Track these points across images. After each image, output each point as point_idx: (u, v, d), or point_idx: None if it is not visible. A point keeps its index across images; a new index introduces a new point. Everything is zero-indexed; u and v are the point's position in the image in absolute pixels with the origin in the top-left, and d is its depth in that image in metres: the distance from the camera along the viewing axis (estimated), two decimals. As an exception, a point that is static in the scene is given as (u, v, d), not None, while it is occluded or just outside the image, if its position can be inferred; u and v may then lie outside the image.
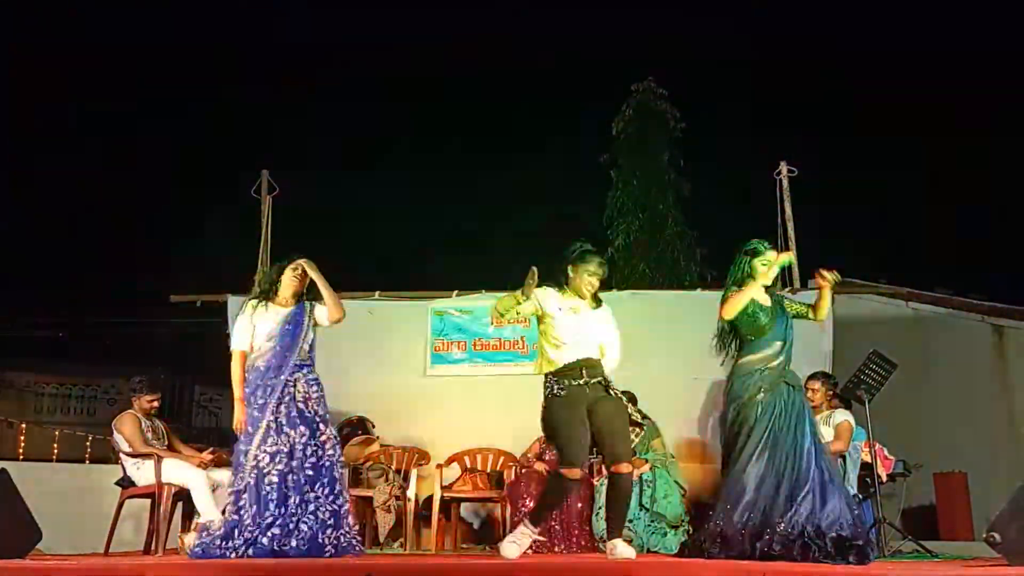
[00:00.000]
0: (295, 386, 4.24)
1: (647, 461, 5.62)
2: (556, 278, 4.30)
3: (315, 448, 4.18)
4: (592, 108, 13.06)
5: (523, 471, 5.80)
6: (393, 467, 6.12)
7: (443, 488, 6.00)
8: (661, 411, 6.02)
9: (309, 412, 4.22)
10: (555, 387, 4.15)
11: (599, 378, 4.18)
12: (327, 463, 4.19)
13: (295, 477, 4.10)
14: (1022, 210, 11.96)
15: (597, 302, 4.31)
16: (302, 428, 4.16)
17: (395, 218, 14.95)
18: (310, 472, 4.13)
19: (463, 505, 6.29)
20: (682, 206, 11.52)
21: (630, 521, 5.37)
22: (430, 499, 6.05)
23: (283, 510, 4.03)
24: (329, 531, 4.08)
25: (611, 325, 4.34)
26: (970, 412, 7.60)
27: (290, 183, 7.67)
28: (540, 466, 5.73)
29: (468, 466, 6.28)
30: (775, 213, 7.27)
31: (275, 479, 4.08)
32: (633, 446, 5.74)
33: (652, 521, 5.38)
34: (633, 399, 5.80)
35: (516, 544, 4.05)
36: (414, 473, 6.09)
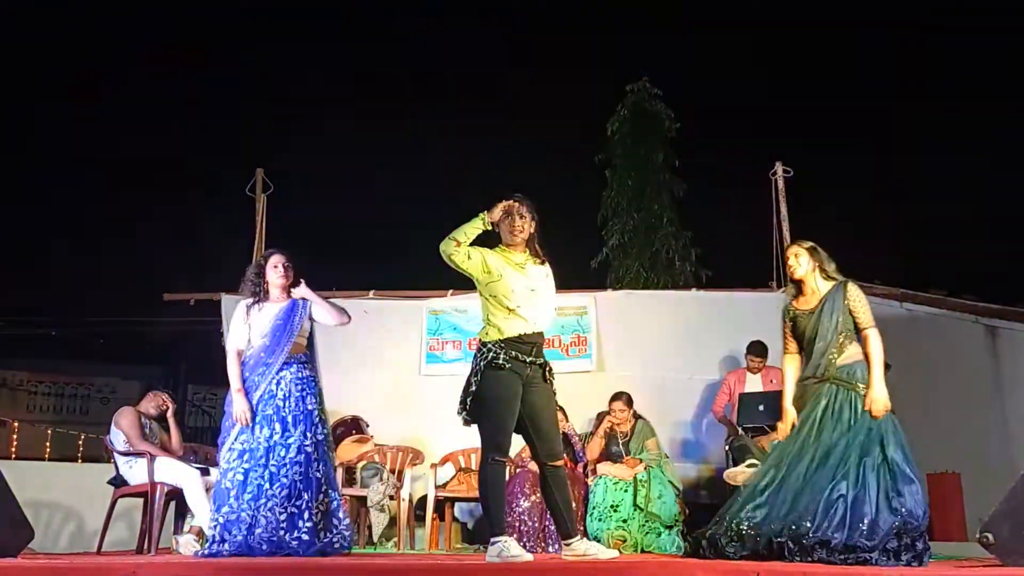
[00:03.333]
0: (278, 384, 4.24)
1: (641, 461, 5.62)
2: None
3: (286, 448, 4.13)
4: (587, 108, 13.05)
5: (517, 471, 5.80)
6: (387, 467, 6.12)
7: (437, 488, 5.99)
8: (656, 410, 6.03)
9: (288, 410, 4.20)
10: (500, 355, 3.69)
11: (542, 359, 3.82)
12: (302, 462, 4.13)
13: (257, 475, 4.07)
14: (1016, 211, 12.00)
15: (539, 259, 3.91)
16: (276, 426, 4.15)
17: (389, 217, 14.93)
18: (274, 470, 4.08)
19: (457, 505, 6.28)
20: (676, 206, 11.52)
21: (624, 521, 5.38)
22: (424, 499, 6.04)
23: (242, 507, 4.02)
24: (297, 532, 4.02)
25: (552, 287, 3.94)
26: (964, 413, 7.60)
27: (285, 181, 7.67)
28: (535, 466, 5.72)
29: (462, 465, 6.27)
30: (770, 213, 7.28)
31: (240, 476, 4.08)
32: (628, 443, 5.77)
33: (647, 521, 5.38)
34: (629, 400, 5.83)
35: (520, 549, 3.71)
36: (408, 473, 6.08)
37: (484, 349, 3.76)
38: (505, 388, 3.69)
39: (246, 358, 4.32)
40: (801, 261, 4.19)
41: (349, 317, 4.47)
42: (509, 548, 3.58)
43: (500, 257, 3.83)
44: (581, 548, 3.74)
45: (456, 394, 3.82)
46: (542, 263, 3.93)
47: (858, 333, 4.09)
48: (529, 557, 3.67)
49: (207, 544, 4.10)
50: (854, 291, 4.11)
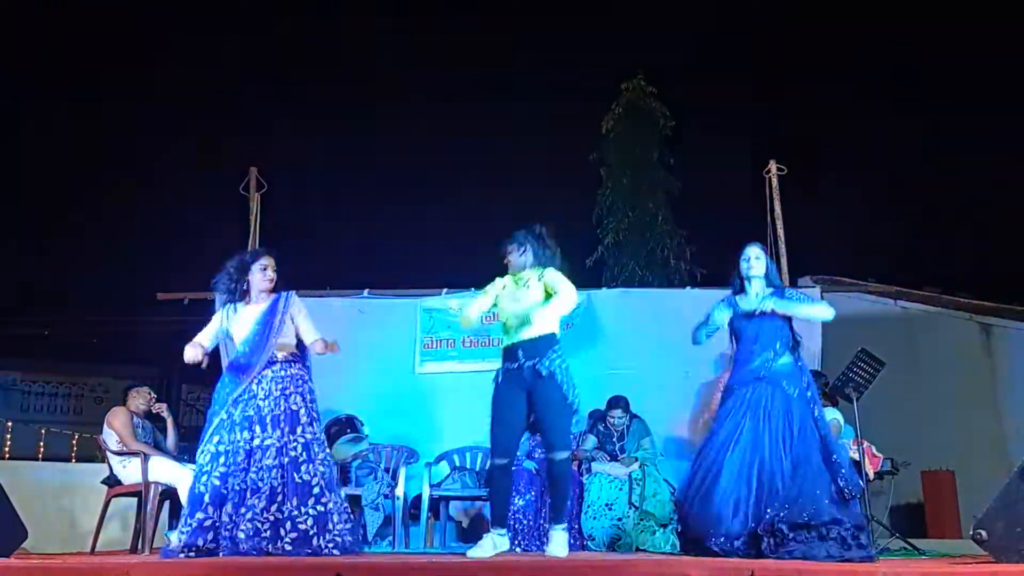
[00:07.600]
0: (259, 383, 4.08)
1: (637, 459, 5.62)
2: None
3: (263, 451, 3.94)
4: (582, 106, 13.04)
5: (512, 469, 5.79)
6: (382, 465, 6.11)
7: (432, 486, 5.99)
8: (651, 409, 6.03)
9: (268, 410, 4.03)
10: (499, 369, 4.24)
11: (536, 359, 4.10)
12: (286, 465, 3.95)
13: (237, 480, 3.88)
14: (1010, 209, 12.02)
15: (541, 268, 4.32)
16: (257, 428, 3.98)
17: (384, 216, 14.91)
18: (255, 475, 3.90)
19: (452, 504, 6.28)
20: (671, 204, 11.52)
21: (619, 519, 5.38)
22: (419, 497, 6.04)
23: (218, 513, 3.83)
24: (281, 541, 3.82)
25: (553, 280, 4.22)
26: (958, 410, 7.64)
27: (279, 180, 7.64)
28: (530, 464, 5.72)
29: (457, 464, 6.27)
30: (764, 211, 7.28)
31: (217, 481, 3.89)
32: (622, 444, 5.77)
33: (641, 519, 5.38)
34: (627, 406, 5.82)
35: (481, 548, 3.96)
36: (403, 471, 6.08)
37: None
38: (501, 400, 4.17)
39: (228, 365, 4.22)
40: (762, 261, 4.39)
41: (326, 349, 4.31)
42: (479, 543, 4.01)
43: (503, 282, 4.37)
44: (549, 547, 4.08)
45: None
46: (543, 272, 4.29)
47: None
48: (483, 556, 3.90)
49: (178, 546, 3.81)
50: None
